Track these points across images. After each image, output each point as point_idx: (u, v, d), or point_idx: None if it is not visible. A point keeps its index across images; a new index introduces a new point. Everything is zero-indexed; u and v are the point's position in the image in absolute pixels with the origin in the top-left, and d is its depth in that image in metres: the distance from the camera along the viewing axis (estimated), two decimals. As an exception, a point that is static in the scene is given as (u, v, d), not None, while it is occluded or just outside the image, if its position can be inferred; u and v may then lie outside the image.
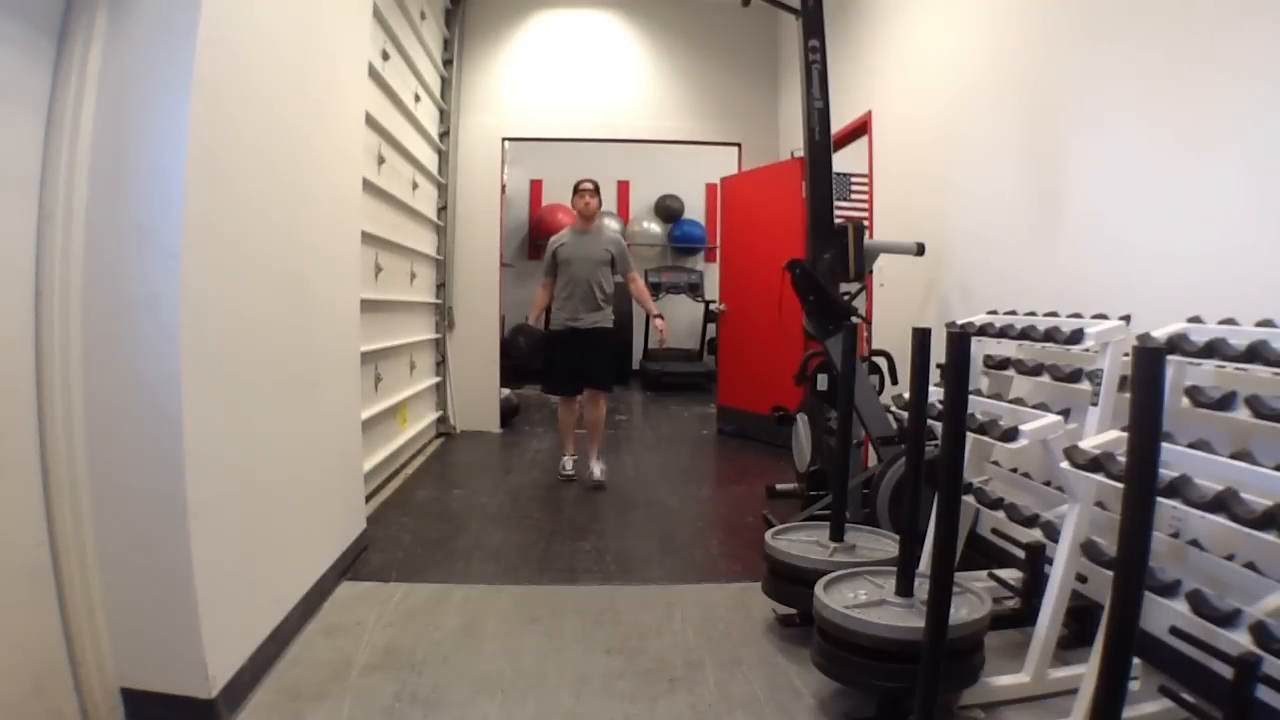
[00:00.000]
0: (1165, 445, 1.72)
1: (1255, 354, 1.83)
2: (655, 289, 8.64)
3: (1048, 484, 2.54)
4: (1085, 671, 1.92)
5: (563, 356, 4.64)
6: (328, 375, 3.01)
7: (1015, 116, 3.30)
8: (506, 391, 6.60)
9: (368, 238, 3.93)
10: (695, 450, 5.96)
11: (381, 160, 4.46)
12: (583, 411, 4.87)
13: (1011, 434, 2.16)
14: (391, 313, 4.74)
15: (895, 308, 4.47)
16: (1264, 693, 1.59)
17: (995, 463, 2.81)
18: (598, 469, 4.72)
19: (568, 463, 4.79)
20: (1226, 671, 1.59)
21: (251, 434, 2.30)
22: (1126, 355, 2.09)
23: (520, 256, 9.62)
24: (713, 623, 2.72)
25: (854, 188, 5.30)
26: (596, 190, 4.78)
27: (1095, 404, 2.25)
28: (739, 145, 6.82)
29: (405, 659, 2.42)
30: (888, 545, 2.60)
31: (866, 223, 4.78)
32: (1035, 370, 2.59)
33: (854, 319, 3.42)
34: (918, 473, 2.06)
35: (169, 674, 1.97)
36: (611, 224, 8.00)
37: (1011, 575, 2.59)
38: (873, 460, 3.62)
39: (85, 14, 1.90)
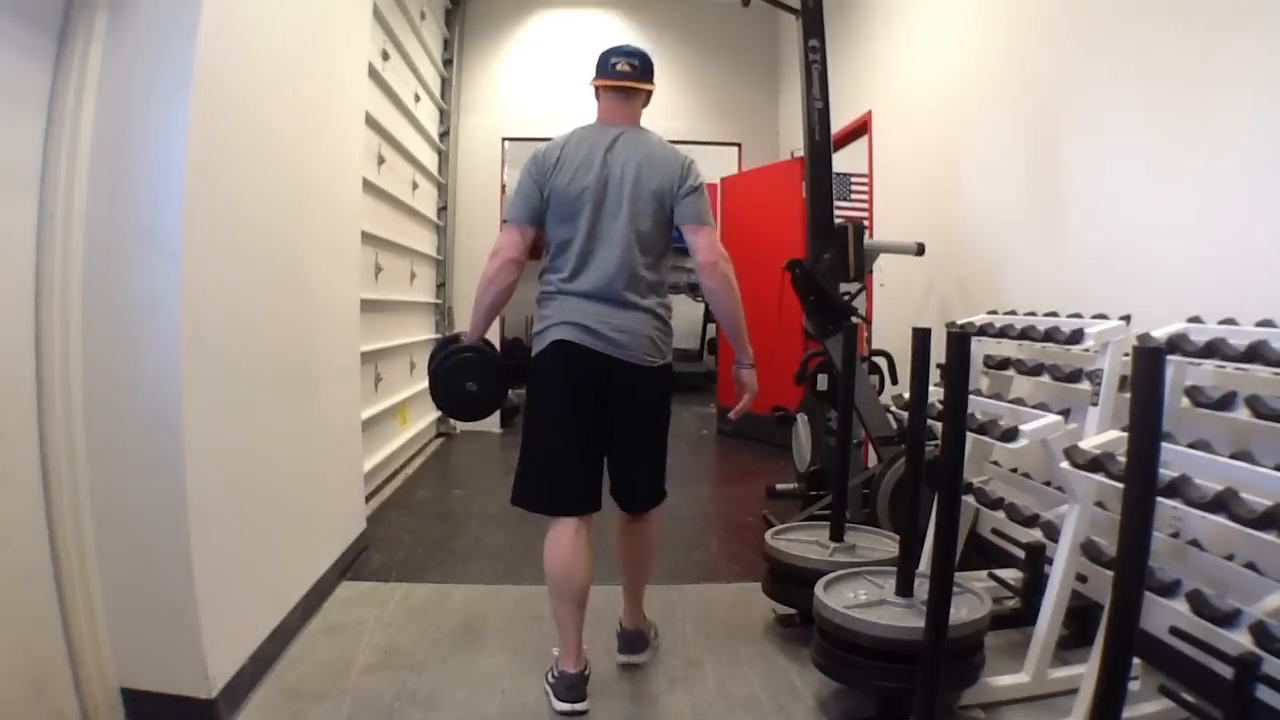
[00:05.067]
0: (1165, 445, 1.72)
1: (1255, 354, 1.83)
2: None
3: (1048, 484, 2.54)
4: (1085, 671, 1.92)
5: (556, 410, 2.22)
6: (328, 375, 3.01)
7: (1015, 116, 3.30)
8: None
9: (368, 238, 3.93)
10: (695, 450, 5.96)
11: (381, 160, 4.46)
12: (621, 538, 2.46)
13: (1011, 434, 2.16)
14: (391, 313, 4.74)
15: (895, 308, 4.47)
16: (1264, 693, 1.60)
17: (995, 463, 2.81)
18: (631, 618, 2.47)
19: (560, 697, 2.12)
20: (1226, 671, 1.59)
21: (251, 434, 2.30)
22: (1126, 355, 2.08)
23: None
24: (713, 623, 2.72)
25: (854, 188, 5.30)
26: (645, 72, 2.31)
27: (1095, 404, 2.25)
28: (739, 145, 6.82)
29: (405, 659, 2.42)
30: (888, 545, 2.60)
31: (866, 223, 4.78)
32: (1035, 370, 2.59)
33: (854, 319, 3.42)
34: (918, 473, 2.06)
35: (169, 674, 1.97)
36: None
37: (1011, 575, 2.59)
38: (873, 460, 3.62)
39: (85, 14, 1.90)
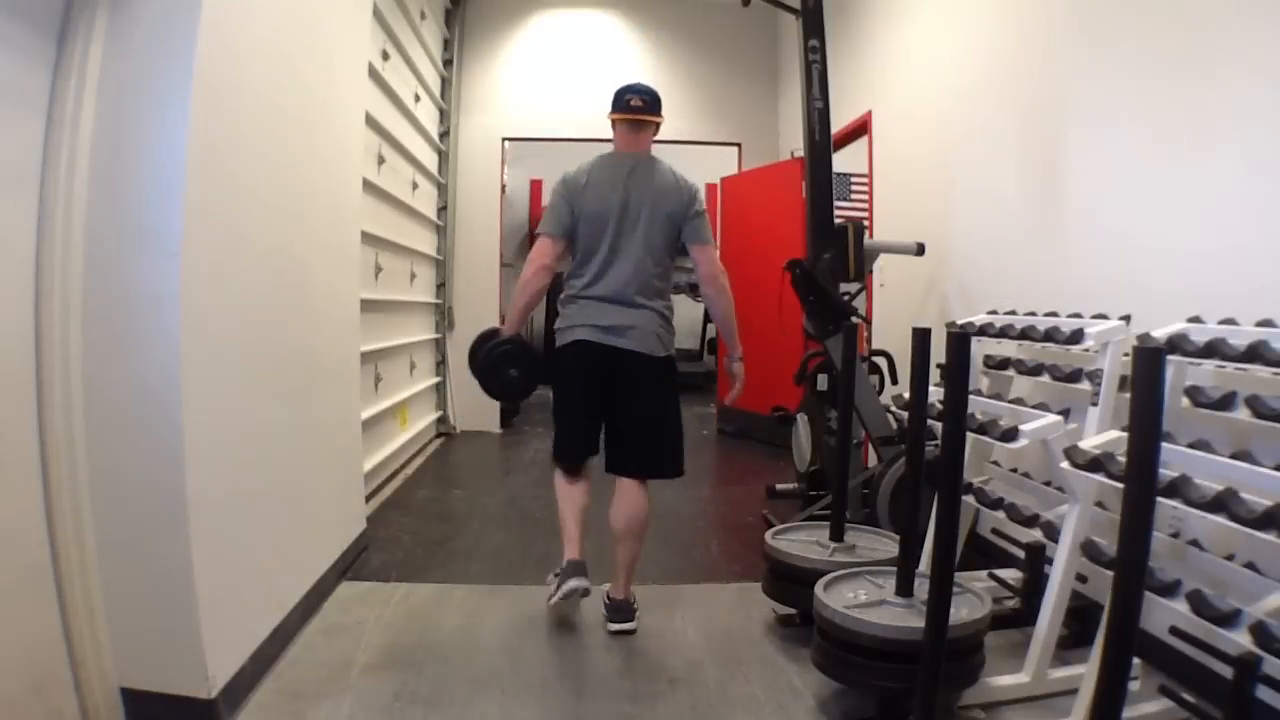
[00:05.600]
0: (1165, 445, 1.72)
1: (1255, 354, 1.83)
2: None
3: (1048, 484, 2.54)
4: (1085, 671, 1.92)
5: (575, 396, 2.68)
6: (328, 375, 3.01)
7: (1015, 116, 3.30)
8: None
9: (368, 238, 3.92)
10: (695, 450, 5.95)
11: (381, 160, 4.46)
12: (615, 499, 2.69)
13: (1011, 434, 2.16)
14: (391, 313, 4.74)
15: (895, 308, 4.47)
16: (1264, 693, 1.59)
17: (995, 463, 2.81)
18: (620, 591, 2.69)
19: (566, 577, 2.55)
20: (1226, 671, 1.59)
21: (251, 434, 2.30)
22: (1126, 355, 2.09)
23: (520, 256, 9.61)
24: (713, 623, 2.72)
25: (854, 188, 5.30)
26: (654, 106, 2.72)
27: (1095, 404, 2.25)
28: (739, 145, 6.81)
29: (405, 659, 2.42)
30: (888, 545, 2.60)
31: (866, 223, 4.78)
32: (1035, 370, 2.59)
33: (854, 319, 3.42)
34: (918, 473, 2.06)
35: (169, 674, 1.97)
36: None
37: (1011, 575, 2.59)
38: (873, 460, 3.62)
39: (85, 14, 1.90)
